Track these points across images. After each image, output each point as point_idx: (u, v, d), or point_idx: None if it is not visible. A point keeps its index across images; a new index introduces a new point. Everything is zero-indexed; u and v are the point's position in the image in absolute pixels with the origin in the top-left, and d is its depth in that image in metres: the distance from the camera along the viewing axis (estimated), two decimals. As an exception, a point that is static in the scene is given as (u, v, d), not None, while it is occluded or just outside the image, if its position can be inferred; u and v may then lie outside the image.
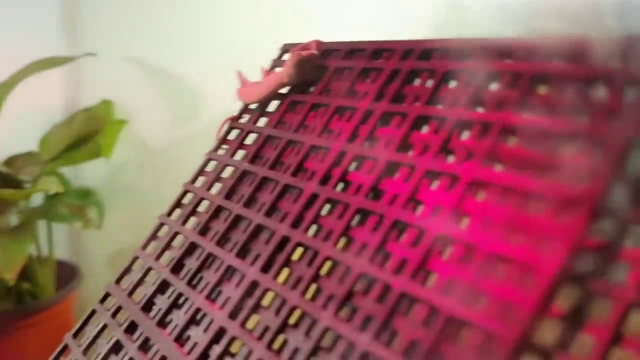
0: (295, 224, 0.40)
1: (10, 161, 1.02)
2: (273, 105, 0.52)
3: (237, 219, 0.45)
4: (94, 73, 1.09)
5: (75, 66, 1.08)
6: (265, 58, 0.56)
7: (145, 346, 0.43)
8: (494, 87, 0.35)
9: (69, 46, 1.12)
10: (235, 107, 0.54)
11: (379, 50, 0.45)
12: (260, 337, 0.36)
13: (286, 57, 0.54)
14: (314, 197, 0.40)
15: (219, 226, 0.46)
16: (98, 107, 1.00)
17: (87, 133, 0.98)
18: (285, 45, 0.54)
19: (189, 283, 0.44)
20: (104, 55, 1.00)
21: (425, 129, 0.37)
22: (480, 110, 0.35)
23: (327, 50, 0.50)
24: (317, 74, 0.48)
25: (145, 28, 0.96)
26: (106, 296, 0.51)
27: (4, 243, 0.92)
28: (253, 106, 0.54)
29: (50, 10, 1.12)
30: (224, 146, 0.53)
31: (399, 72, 0.41)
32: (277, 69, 0.54)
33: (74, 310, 1.08)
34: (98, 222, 0.97)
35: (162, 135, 1.02)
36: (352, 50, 0.47)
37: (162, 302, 0.45)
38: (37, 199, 1.02)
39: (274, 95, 0.51)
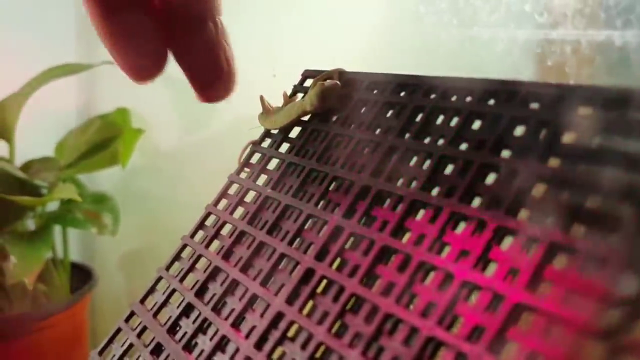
0: (319, 257, 0.41)
1: (26, 166, 1.04)
2: (295, 132, 0.53)
3: (261, 246, 0.46)
4: (110, 80, 1.10)
5: (92, 73, 1.09)
6: (286, 79, 0.57)
7: (171, 370, 0.44)
8: (518, 132, 0.36)
9: (85, 53, 1.13)
10: (249, 115, 0.55)
11: (403, 84, 0.45)
12: (286, 370, 0.37)
13: (308, 83, 0.55)
14: (339, 230, 0.41)
15: (243, 252, 0.47)
16: (114, 115, 1.01)
17: (103, 140, 0.99)
18: (306, 71, 0.55)
19: (214, 308, 0.45)
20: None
21: (449, 169, 0.38)
22: (505, 153, 0.36)
23: (349, 80, 0.50)
24: (340, 103, 0.49)
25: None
26: (131, 315, 0.52)
27: (21, 248, 0.94)
28: (275, 131, 0.55)
29: (67, 18, 1.13)
30: (246, 169, 0.54)
31: (424, 108, 0.42)
32: (299, 95, 0.55)
33: (88, 313, 1.10)
34: (113, 228, 0.98)
35: (176, 142, 1.03)
36: (375, 82, 0.48)
37: (187, 326, 0.46)
38: (53, 204, 1.04)
39: (296, 122, 0.52)
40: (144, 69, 0.39)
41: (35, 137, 1.06)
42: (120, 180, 1.09)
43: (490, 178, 0.36)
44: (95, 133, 1.00)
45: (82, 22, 1.14)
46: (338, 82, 0.49)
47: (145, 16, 0.37)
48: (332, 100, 0.49)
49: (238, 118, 0.85)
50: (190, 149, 1.01)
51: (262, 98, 0.57)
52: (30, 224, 1.01)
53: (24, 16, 1.15)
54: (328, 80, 0.49)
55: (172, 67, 1.00)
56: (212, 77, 0.41)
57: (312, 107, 0.50)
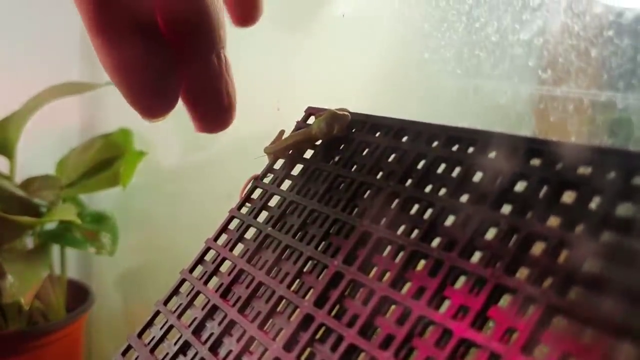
0: (318, 302, 0.41)
1: (27, 183, 1.04)
2: (297, 169, 0.53)
3: (259, 286, 0.46)
4: (113, 99, 1.10)
5: (95, 92, 1.09)
6: (289, 114, 0.57)
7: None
8: (519, 187, 0.36)
9: (89, 72, 1.13)
10: (250, 138, 0.55)
11: (404, 129, 0.46)
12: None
13: (311, 120, 0.55)
14: (338, 276, 0.41)
15: (241, 291, 0.47)
16: (117, 135, 1.01)
17: (105, 160, 0.99)
18: (309, 108, 0.56)
19: (212, 349, 0.45)
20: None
21: (450, 220, 0.38)
22: (507, 209, 0.36)
23: (352, 121, 0.51)
24: (346, 135, 0.50)
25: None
26: (128, 348, 0.52)
27: (19, 267, 0.94)
28: (277, 166, 0.55)
29: (72, 36, 1.14)
30: (248, 204, 0.55)
31: (425, 156, 0.43)
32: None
33: (84, 332, 1.10)
34: (111, 248, 0.98)
35: (178, 162, 1.04)
36: (378, 125, 0.48)
37: (183, 365, 0.46)
38: (51, 222, 1.04)
39: (299, 147, 0.52)
40: (158, 107, 0.38)
41: (37, 154, 1.06)
42: (120, 199, 1.09)
43: (491, 233, 0.36)
44: (97, 153, 1.00)
45: (86, 40, 1.15)
46: (348, 113, 0.50)
47: (158, 46, 0.36)
48: (339, 128, 0.50)
49: (240, 140, 0.86)
50: (191, 169, 1.01)
51: (281, 132, 0.57)
52: (28, 242, 1.01)
53: (28, 33, 1.15)
54: (339, 108, 0.50)
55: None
56: (212, 110, 0.41)
57: (318, 131, 0.50)
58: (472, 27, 0.45)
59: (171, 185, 1.03)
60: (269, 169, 0.56)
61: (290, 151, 0.54)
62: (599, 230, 0.31)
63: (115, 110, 1.11)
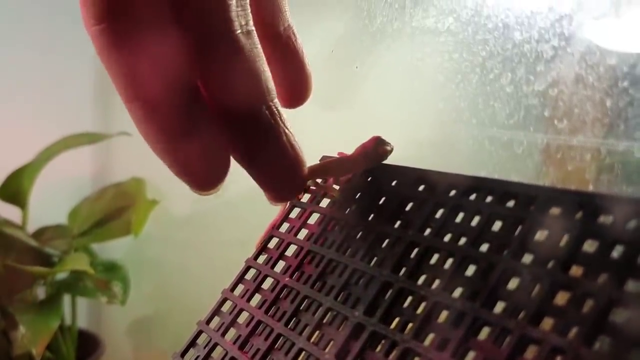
0: (339, 355, 0.40)
1: (39, 233, 1.04)
2: (314, 218, 0.53)
3: (278, 338, 0.46)
4: (125, 149, 1.12)
5: (107, 141, 1.11)
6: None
7: None
8: (538, 237, 0.36)
9: (102, 121, 1.15)
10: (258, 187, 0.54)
11: (422, 178, 0.46)
12: None
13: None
14: (359, 327, 0.41)
15: (260, 343, 0.47)
16: (129, 184, 1.02)
17: (117, 209, 1.00)
18: (324, 156, 0.56)
19: (231, 403, 0.44)
20: (136, 132, 1.03)
21: (471, 270, 0.38)
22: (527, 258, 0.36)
23: (370, 169, 0.51)
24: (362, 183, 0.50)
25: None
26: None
27: (31, 317, 0.93)
28: (293, 215, 0.55)
29: (86, 86, 1.16)
30: (264, 254, 0.55)
31: (444, 204, 0.43)
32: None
33: (94, 383, 1.08)
34: (122, 297, 0.98)
35: (190, 210, 1.04)
36: (395, 173, 0.49)
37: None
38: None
39: (335, 171, 0.52)
40: (211, 182, 0.36)
41: (50, 203, 1.07)
42: (132, 248, 1.09)
43: (513, 283, 0.36)
44: (109, 202, 1.01)
45: (99, 90, 1.17)
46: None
47: (207, 120, 0.33)
48: (382, 151, 0.50)
49: (251, 188, 0.86)
50: (203, 218, 1.01)
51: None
52: (40, 291, 1.00)
53: (42, 83, 1.18)
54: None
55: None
56: (279, 170, 0.38)
57: (361, 150, 0.50)
58: (487, 79, 0.45)
59: (183, 233, 1.03)
60: (285, 218, 0.56)
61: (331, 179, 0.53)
62: (622, 279, 0.31)
63: (128, 160, 1.12)
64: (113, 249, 1.11)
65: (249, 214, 0.57)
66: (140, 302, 1.07)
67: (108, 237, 0.99)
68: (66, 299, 1.05)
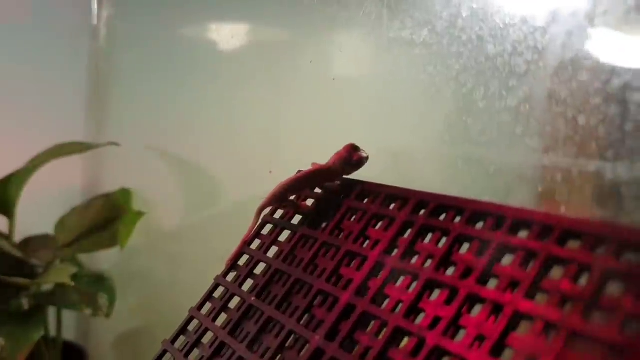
0: (297, 381, 0.38)
1: (25, 243, 1.03)
2: (284, 235, 0.51)
3: (240, 360, 0.44)
4: (115, 160, 1.10)
5: (97, 151, 1.10)
6: (281, 176, 0.56)
7: None
8: (507, 261, 0.34)
9: (94, 132, 1.14)
10: (243, 202, 0.53)
11: (393, 195, 0.44)
12: None
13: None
14: (319, 353, 0.39)
15: (222, 365, 0.45)
16: (117, 195, 1.01)
17: (104, 220, 0.98)
18: (299, 171, 0.54)
19: None
20: (126, 144, 1.02)
21: (436, 294, 0.36)
22: (491, 287, 0.34)
23: (343, 186, 0.49)
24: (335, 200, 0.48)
25: (168, 121, 0.98)
26: None
27: (11, 328, 0.91)
28: (265, 231, 0.53)
29: (79, 96, 1.15)
30: (234, 272, 0.53)
31: (412, 224, 0.41)
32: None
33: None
34: (108, 310, 0.96)
35: (177, 223, 1.02)
36: (366, 191, 0.47)
37: None
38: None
39: (316, 179, 0.50)
40: None
41: (40, 212, 1.05)
42: (120, 259, 1.08)
43: (477, 309, 0.34)
44: (97, 212, 0.99)
45: (92, 101, 1.16)
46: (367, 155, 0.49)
47: None
48: (351, 167, 0.49)
49: (236, 203, 0.85)
50: (192, 231, 1.00)
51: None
52: (25, 302, 0.99)
53: (35, 92, 1.17)
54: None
55: (179, 148, 1.00)
56: None
57: (337, 158, 0.49)
58: (460, 93, 0.43)
59: (171, 246, 1.02)
60: (257, 234, 0.54)
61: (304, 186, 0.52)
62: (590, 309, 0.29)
63: (119, 170, 1.10)
64: (101, 260, 1.10)
65: (236, 227, 0.55)
66: (127, 315, 1.06)
67: (94, 248, 0.98)
68: (52, 310, 1.03)
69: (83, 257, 1.08)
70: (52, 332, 1.05)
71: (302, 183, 0.51)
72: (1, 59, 1.13)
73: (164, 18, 1.00)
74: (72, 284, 0.82)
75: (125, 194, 1.00)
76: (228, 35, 0.83)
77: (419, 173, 0.51)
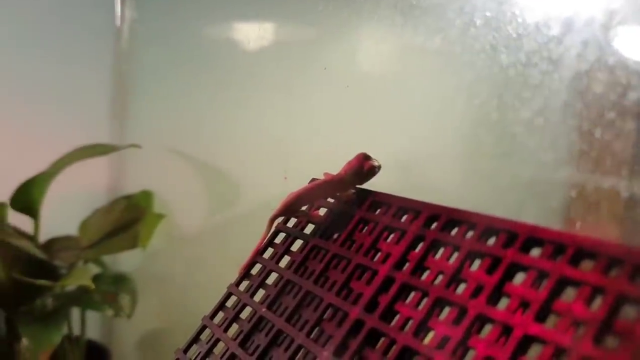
0: (305, 398, 0.38)
1: (49, 244, 1.04)
2: (296, 245, 0.51)
3: (251, 372, 0.43)
4: (137, 162, 1.11)
5: (120, 152, 1.10)
6: (295, 182, 0.55)
7: None
8: (518, 280, 0.33)
9: (118, 134, 1.15)
10: (259, 208, 0.52)
11: (404, 207, 0.43)
12: None
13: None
14: (326, 369, 0.38)
15: (232, 377, 0.44)
16: (138, 196, 1.01)
17: (126, 221, 0.99)
18: (312, 179, 0.54)
19: None
20: (148, 146, 1.02)
21: (446, 311, 0.35)
22: (502, 306, 0.33)
23: (356, 196, 0.49)
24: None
25: (187, 123, 0.98)
26: None
27: (34, 329, 0.93)
28: (278, 240, 0.53)
29: (103, 98, 1.16)
30: (247, 280, 0.52)
31: (424, 238, 0.40)
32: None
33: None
34: (130, 310, 0.97)
35: (195, 226, 1.03)
36: (378, 202, 0.46)
37: None
38: (72, 283, 1.03)
39: (329, 189, 0.50)
40: None
41: (65, 213, 1.07)
42: (142, 260, 1.08)
43: (487, 329, 0.33)
44: (119, 214, 1.00)
45: (116, 102, 1.17)
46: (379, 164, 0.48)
47: None
48: (364, 177, 0.48)
49: (261, 204, 0.84)
50: (213, 233, 1.00)
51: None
52: (49, 303, 1.00)
53: (60, 94, 1.18)
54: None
55: (197, 150, 1.00)
56: None
57: (348, 168, 0.49)
58: (472, 103, 0.42)
59: (189, 248, 1.02)
60: (269, 243, 0.54)
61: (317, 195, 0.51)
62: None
63: (139, 173, 1.11)
64: (124, 262, 1.11)
65: (253, 233, 0.55)
66: (150, 315, 1.06)
67: (116, 249, 0.98)
68: (76, 310, 1.04)
69: (106, 258, 1.09)
70: (76, 331, 1.06)
71: (313, 193, 0.50)
72: (26, 61, 1.14)
73: (186, 20, 1.00)
74: (93, 286, 0.83)
75: (146, 196, 1.01)
76: (249, 37, 0.82)
77: (431, 184, 0.49)
